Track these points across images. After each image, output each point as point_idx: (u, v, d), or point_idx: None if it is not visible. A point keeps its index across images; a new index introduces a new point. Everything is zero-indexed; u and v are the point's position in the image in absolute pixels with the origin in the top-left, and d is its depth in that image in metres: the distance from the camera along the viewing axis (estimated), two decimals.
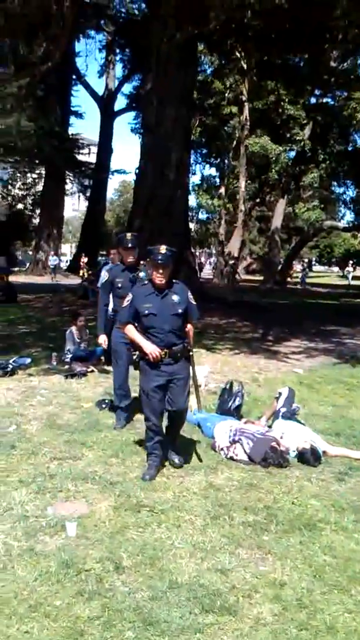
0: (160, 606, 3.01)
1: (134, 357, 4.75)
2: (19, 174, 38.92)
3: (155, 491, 4.37)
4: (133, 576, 3.28)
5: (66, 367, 8.31)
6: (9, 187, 40.10)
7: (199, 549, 3.59)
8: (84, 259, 28.65)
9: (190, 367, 4.91)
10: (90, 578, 3.22)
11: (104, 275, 8.86)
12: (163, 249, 4.54)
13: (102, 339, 6.08)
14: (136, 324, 4.69)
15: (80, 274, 26.75)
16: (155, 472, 4.65)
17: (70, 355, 8.52)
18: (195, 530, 3.82)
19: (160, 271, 4.54)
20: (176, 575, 3.29)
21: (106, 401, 6.58)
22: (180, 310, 4.62)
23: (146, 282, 4.76)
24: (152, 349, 4.49)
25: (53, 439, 5.42)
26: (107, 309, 6.05)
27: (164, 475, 4.71)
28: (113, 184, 59.29)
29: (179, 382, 4.68)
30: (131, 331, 4.67)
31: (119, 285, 5.76)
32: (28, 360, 8.75)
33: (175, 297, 4.63)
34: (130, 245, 5.69)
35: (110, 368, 8.29)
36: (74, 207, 53.81)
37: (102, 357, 8.63)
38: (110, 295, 6.01)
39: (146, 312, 4.55)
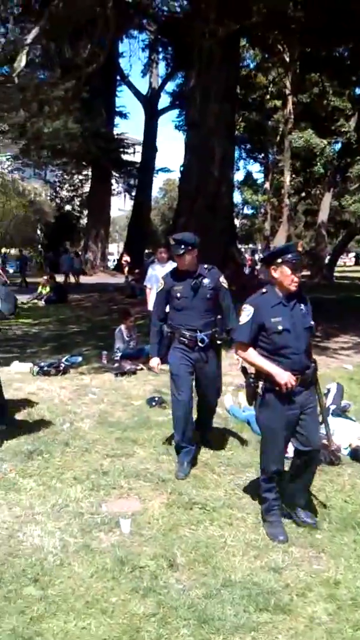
0: (214, 604, 3.03)
1: (258, 389, 3.74)
2: (66, 176, 39.52)
3: (207, 489, 4.39)
4: (187, 574, 3.31)
5: (116, 365, 8.41)
6: (57, 189, 40.76)
7: (251, 547, 3.60)
8: (126, 258, 28.91)
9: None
10: (145, 575, 3.27)
11: (152, 273, 8.95)
12: (299, 245, 3.81)
13: (155, 363, 4.95)
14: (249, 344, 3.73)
15: (125, 273, 27.08)
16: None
17: (119, 354, 8.62)
18: (248, 528, 3.82)
19: (297, 276, 3.64)
20: (229, 573, 3.30)
21: (156, 399, 6.64)
22: (312, 323, 3.78)
23: (265, 290, 3.74)
24: (287, 378, 3.56)
25: (105, 437, 5.51)
26: (161, 325, 4.88)
27: (215, 472, 4.72)
28: (158, 183, 59.44)
29: (311, 413, 3.78)
30: (254, 356, 3.69)
31: (178, 295, 4.71)
32: (79, 358, 8.91)
33: (303, 307, 3.74)
34: (181, 251, 4.62)
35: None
36: (120, 206, 54.31)
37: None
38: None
39: (280, 327, 3.60)
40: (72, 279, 25.02)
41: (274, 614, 2.97)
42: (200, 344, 4.64)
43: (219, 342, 4.79)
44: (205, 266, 4.79)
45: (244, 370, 3.88)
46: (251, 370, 3.80)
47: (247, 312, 3.71)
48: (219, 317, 4.83)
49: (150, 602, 3.04)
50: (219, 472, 4.73)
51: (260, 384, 3.70)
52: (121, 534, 3.70)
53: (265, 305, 3.67)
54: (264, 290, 3.74)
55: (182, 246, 4.62)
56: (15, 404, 6.52)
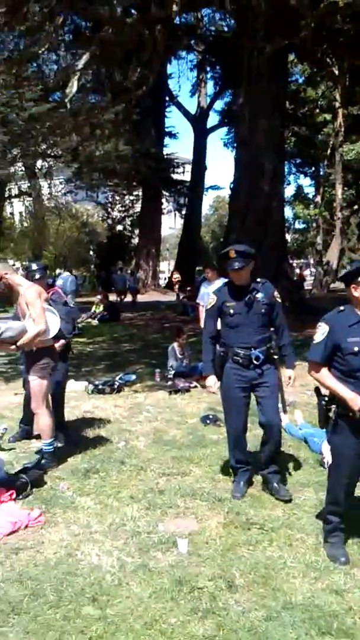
0: (275, 627, 2.96)
1: (331, 413, 3.58)
2: (117, 197, 40.17)
3: (265, 509, 4.32)
4: (246, 595, 3.25)
5: (169, 383, 8.43)
6: (109, 210, 41.46)
7: (312, 568, 3.51)
8: (177, 276, 29.12)
9: None
10: (203, 596, 3.23)
11: (204, 291, 8.96)
12: None
13: (211, 382, 4.70)
14: (321, 362, 3.54)
15: (175, 291, 27.35)
16: None
17: (173, 372, 8.65)
18: (308, 549, 3.74)
19: None
20: (290, 595, 3.23)
21: (210, 416, 6.61)
22: None
23: (342, 308, 3.55)
24: None
25: (160, 455, 5.51)
26: (213, 342, 4.70)
27: (273, 492, 4.64)
28: (208, 200, 59.80)
29: None
30: (327, 377, 3.51)
31: (231, 311, 4.52)
32: (133, 377, 8.98)
33: None
34: (237, 266, 4.41)
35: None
36: (170, 225, 54.81)
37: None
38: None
39: (356, 349, 3.39)
40: (126, 298, 25.39)
41: (336, 637, 2.89)
42: (255, 362, 4.45)
43: (275, 357, 4.58)
44: (258, 280, 4.63)
45: (317, 390, 3.73)
46: (325, 391, 3.64)
47: (321, 331, 3.52)
48: (272, 332, 4.63)
49: (209, 623, 2.99)
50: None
51: (333, 407, 3.55)
52: (179, 554, 3.67)
53: (342, 324, 3.47)
54: (341, 308, 3.55)
55: (242, 259, 4.40)
56: (72, 422, 6.60)
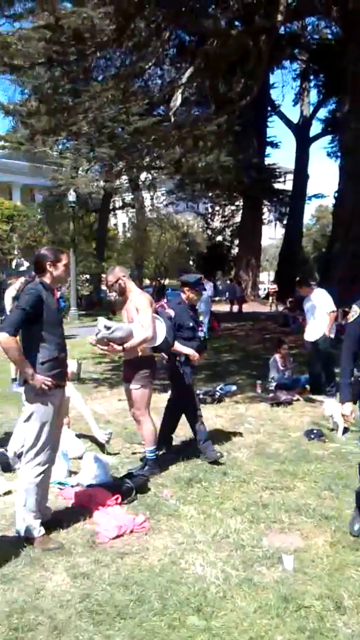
0: None
1: None
2: (218, 207, 40.41)
3: None
4: (355, 617, 3.13)
5: (271, 395, 8.32)
6: (209, 220, 41.80)
7: None
8: (273, 287, 29.04)
9: None
10: (310, 615, 3.13)
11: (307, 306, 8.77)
12: None
13: (348, 410, 4.10)
14: None
15: (270, 302, 27.35)
16: None
17: (274, 383, 8.53)
18: None
19: None
20: None
21: (314, 431, 6.45)
22: None
23: None
24: None
25: (263, 468, 5.43)
26: (354, 364, 4.14)
27: None
28: (309, 210, 58.90)
29: None
30: None
31: None
32: (234, 387, 8.95)
33: None
34: None
35: (316, 397, 8.18)
36: (270, 235, 54.38)
37: (307, 386, 8.54)
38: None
39: None
40: (234, 307, 25.69)
41: None
42: None
43: None
44: None
45: None
46: None
47: None
48: None
49: None
50: None
51: None
52: (284, 570, 3.59)
53: None
54: None
55: None
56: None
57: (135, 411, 5.33)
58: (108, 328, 4.86)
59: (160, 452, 5.66)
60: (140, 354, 5.13)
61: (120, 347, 4.93)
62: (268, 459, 5.70)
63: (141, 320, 5.02)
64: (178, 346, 5.52)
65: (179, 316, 5.61)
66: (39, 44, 11.23)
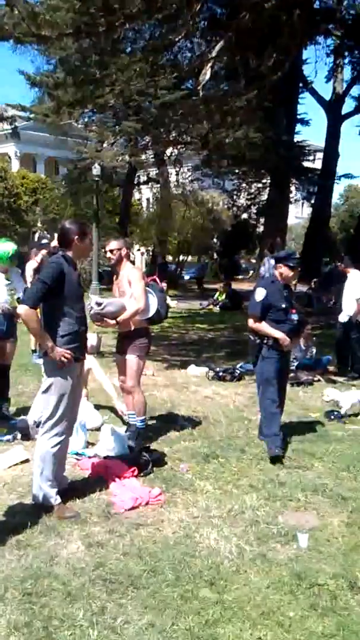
0: None
1: None
2: (244, 185, 39.91)
3: None
4: None
5: (292, 375, 8.26)
6: (234, 197, 41.33)
7: None
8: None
9: None
10: (323, 593, 3.13)
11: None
12: None
13: None
14: None
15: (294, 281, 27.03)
16: None
17: (296, 363, 8.46)
18: None
19: None
20: None
21: (335, 412, 6.40)
22: None
23: None
24: None
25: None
26: None
27: None
28: (338, 189, 57.97)
29: None
30: None
31: None
32: None
33: None
34: None
35: (337, 378, 8.12)
36: (297, 214, 53.72)
37: (329, 367, 8.49)
38: None
39: None
40: None
41: None
42: None
43: None
44: None
45: None
46: None
47: None
48: None
49: (329, 622, 2.89)
50: None
51: None
52: (298, 548, 3.58)
53: None
54: None
55: None
56: (192, 405, 6.68)
57: (127, 381, 5.37)
58: (99, 304, 4.98)
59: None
60: (133, 327, 5.19)
61: (113, 322, 5.03)
62: (287, 437, 5.67)
63: (133, 291, 5.10)
64: (265, 327, 5.16)
65: (270, 295, 5.19)
66: (67, 15, 11.06)
